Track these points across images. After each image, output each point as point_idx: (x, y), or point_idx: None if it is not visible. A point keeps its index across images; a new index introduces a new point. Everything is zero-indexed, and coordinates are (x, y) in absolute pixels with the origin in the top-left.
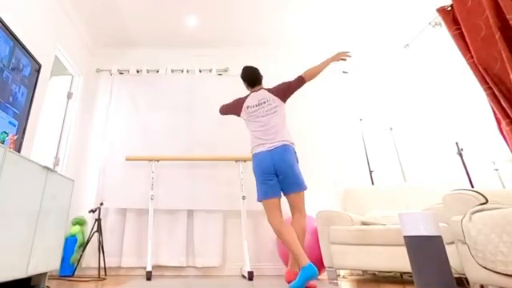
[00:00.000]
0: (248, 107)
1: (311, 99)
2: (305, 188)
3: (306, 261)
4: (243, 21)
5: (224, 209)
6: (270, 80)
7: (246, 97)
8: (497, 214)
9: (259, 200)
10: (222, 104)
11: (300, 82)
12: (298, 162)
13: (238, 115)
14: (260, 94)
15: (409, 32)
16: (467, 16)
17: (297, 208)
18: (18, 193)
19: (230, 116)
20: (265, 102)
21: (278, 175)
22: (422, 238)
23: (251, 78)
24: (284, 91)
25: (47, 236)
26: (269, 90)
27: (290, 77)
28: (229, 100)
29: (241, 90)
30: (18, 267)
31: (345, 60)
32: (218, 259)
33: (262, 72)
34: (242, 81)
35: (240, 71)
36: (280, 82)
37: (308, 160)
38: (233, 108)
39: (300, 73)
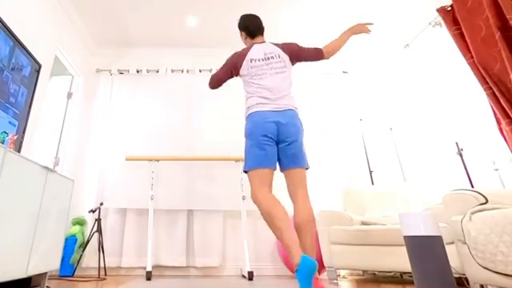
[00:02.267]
0: (252, 60)
1: (311, 99)
2: (307, 165)
3: (298, 255)
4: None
5: (224, 209)
6: None
7: (248, 48)
8: (497, 214)
9: (247, 169)
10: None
11: (318, 55)
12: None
13: (236, 73)
14: (268, 47)
15: (409, 32)
16: (467, 16)
17: (302, 186)
18: (18, 193)
19: (230, 116)
20: (273, 58)
21: (279, 143)
22: (422, 238)
23: (255, 24)
24: (297, 52)
25: (47, 236)
26: (277, 45)
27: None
28: (229, 100)
29: (241, 89)
30: (18, 267)
31: (368, 33)
32: (218, 259)
33: None
34: (238, 80)
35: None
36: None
37: (308, 160)
38: (230, 66)
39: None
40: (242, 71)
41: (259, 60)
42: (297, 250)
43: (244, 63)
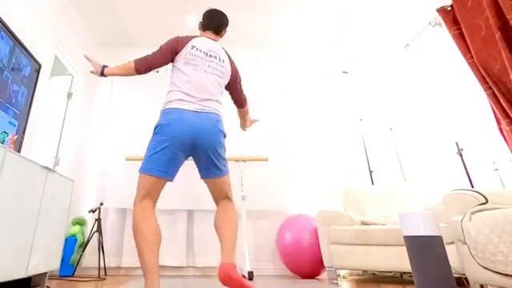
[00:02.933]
0: (194, 47)
1: (311, 99)
2: (228, 171)
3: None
4: (244, 21)
5: None
6: (268, 80)
7: (195, 36)
8: (497, 214)
9: (143, 171)
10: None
11: (241, 101)
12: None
13: (171, 58)
14: (216, 46)
15: (409, 32)
16: (467, 16)
17: (223, 193)
18: (18, 193)
19: (230, 116)
20: (216, 58)
21: (194, 151)
22: (422, 238)
23: (215, 19)
24: (236, 77)
25: (47, 236)
26: (227, 54)
27: (288, 77)
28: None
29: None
30: (18, 267)
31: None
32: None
33: (260, 72)
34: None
35: (240, 71)
36: (278, 82)
37: (308, 160)
38: (171, 49)
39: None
40: (178, 56)
41: (201, 51)
42: (152, 281)
43: (185, 48)
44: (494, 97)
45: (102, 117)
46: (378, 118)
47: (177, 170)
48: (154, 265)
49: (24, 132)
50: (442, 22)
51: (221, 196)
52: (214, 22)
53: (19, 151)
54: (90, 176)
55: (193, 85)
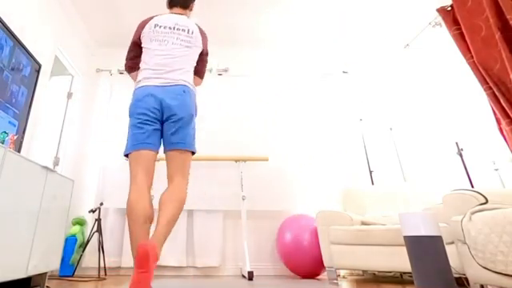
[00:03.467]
0: (157, 26)
1: (311, 99)
2: (192, 149)
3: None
4: (243, 21)
5: (224, 209)
6: (269, 80)
7: (157, 15)
8: (497, 214)
9: (126, 152)
10: None
11: (202, 73)
12: (196, 115)
13: (138, 43)
14: (183, 20)
15: (409, 32)
16: (467, 16)
17: (179, 170)
18: (18, 193)
19: (229, 116)
20: (183, 30)
21: (163, 121)
22: (422, 238)
23: None
24: (206, 46)
25: (47, 236)
26: (198, 26)
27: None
28: (229, 100)
29: (241, 90)
30: (18, 267)
31: None
32: (218, 259)
33: (260, 72)
34: (238, 81)
35: (240, 71)
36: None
37: (308, 160)
38: (135, 37)
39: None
40: (142, 35)
41: (165, 27)
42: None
43: (146, 28)
44: (494, 97)
45: (102, 117)
46: (378, 118)
47: (158, 138)
48: (141, 236)
49: (24, 132)
50: (442, 22)
51: (175, 172)
52: None
53: (19, 151)
54: (90, 176)
55: (159, 58)
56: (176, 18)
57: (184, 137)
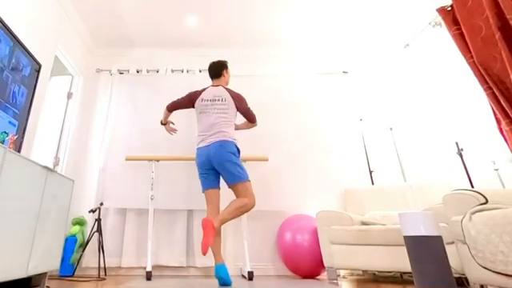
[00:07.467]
0: (202, 100)
1: (311, 99)
2: (240, 180)
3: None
4: (244, 21)
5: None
6: (269, 80)
7: (204, 90)
8: (497, 214)
9: (203, 191)
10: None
11: (250, 120)
12: (237, 155)
13: (192, 106)
14: (217, 90)
15: (409, 32)
16: (467, 16)
17: (241, 196)
18: (18, 193)
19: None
20: (219, 100)
21: (214, 169)
22: (422, 238)
23: (211, 68)
24: (241, 104)
25: (47, 236)
26: (228, 90)
27: (289, 77)
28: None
29: (241, 89)
30: (18, 267)
31: None
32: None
33: (261, 72)
34: (239, 81)
35: (241, 71)
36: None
37: (308, 160)
38: (187, 100)
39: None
40: (196, 106)
41: (208, 100)
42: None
43: (197, 101)
44: (494, 97)
45: (102, 117)
46: (378, 118)
47: (214, 181)
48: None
49: (24, 132)
50: (442, 22)
51: (240, 197)
52: (212, 73)
53: (19, 151)
54: (90, 176)
55: (204, 126)
56: (213, 91)
57: (229, 175)
